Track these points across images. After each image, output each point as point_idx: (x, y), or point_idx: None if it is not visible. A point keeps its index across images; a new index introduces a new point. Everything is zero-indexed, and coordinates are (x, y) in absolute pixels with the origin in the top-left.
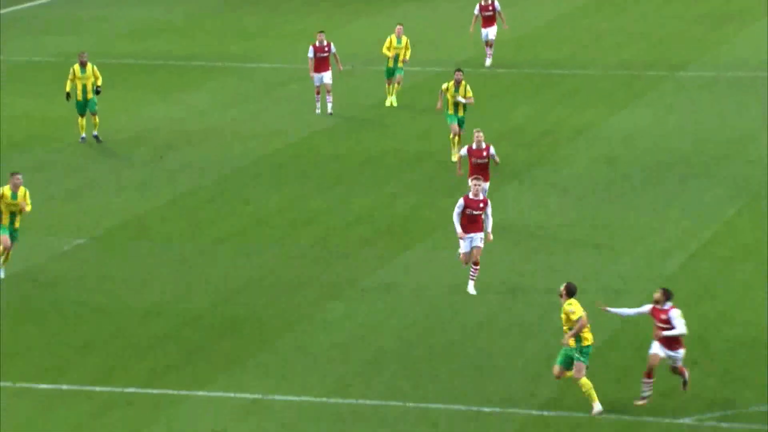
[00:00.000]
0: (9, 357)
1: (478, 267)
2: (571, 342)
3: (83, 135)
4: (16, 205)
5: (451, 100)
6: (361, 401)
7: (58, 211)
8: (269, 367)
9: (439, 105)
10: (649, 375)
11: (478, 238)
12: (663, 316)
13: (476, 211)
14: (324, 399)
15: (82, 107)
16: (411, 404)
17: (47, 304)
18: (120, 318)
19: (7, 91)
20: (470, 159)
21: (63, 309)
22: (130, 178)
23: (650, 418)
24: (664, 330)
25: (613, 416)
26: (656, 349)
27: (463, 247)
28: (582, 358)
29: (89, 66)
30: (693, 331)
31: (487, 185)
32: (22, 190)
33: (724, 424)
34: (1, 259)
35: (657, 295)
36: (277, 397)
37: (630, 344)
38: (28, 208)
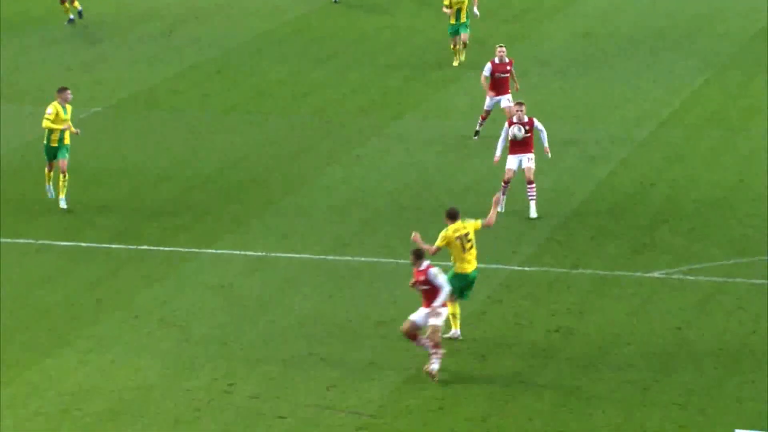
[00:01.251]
0: (31, 216)
1: (533, 185)
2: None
3: (71, 17)
4: (66, 120)
5: (454, 8)
6: (356, 258)
7: (75, 81)
8: (272, 228)
9: (452, 20)
10: (421, 342)
11: (526, 159)
12: (421, 278)
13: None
14: (323, 256)
15: None
16: (402, 261)
17: (67, 167)
18: (134, 182)
19: None
20: (493, 73)
21: (81, 173)
22: (141, 52)
23: (622, 273)
24: (425, 291)
25: (588, 271)
26: (416, 316)
27: (510, 163)
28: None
29: None
30: (663, 193)
31: (509, 96)
32: (68, 106)
33: (690, 277)
34: (60, 187)
35: (411, 258)
36: (280, 255)
37: (604, 206)
38: (74, 129)
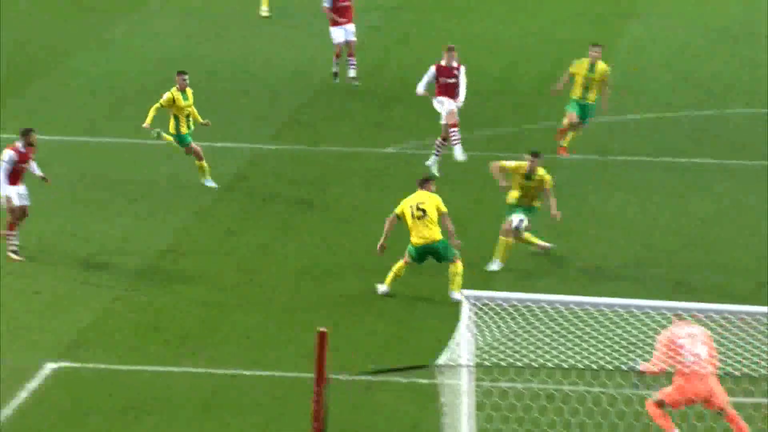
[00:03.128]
0: None
1: (455, 129)
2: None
3: None
4: (189, 106)
5: None
6: (107, 139)
7: None
8: (21, 112)
9: None
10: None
11: (450, 102)
12: None
13: (450, 78)
14: (74, 138)
15: None
16: (149, 141)
17: None
18: None
19: None
20: (333, 2)
21: None
22: None
23: (360, 149)
24: None
25: (330, 148)
26: None
27: (438, 108)
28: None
29: None
30: (395, 75)
31: (353, 27)
32: (188, 90)
33: (421, 152)
34: (205, 171)
35: None
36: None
37: (341, 87)
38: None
